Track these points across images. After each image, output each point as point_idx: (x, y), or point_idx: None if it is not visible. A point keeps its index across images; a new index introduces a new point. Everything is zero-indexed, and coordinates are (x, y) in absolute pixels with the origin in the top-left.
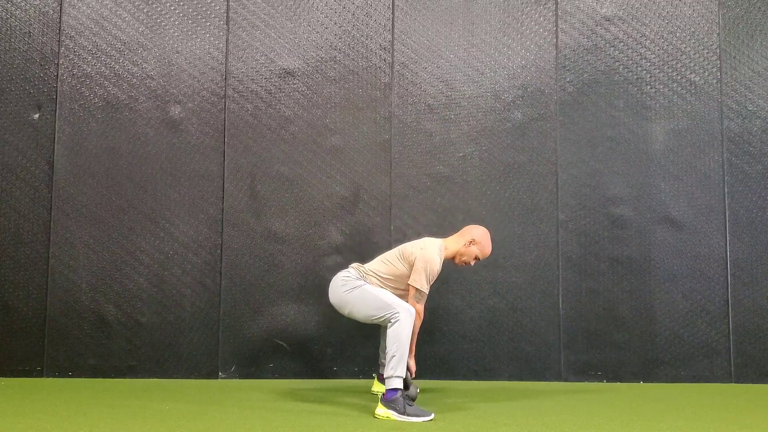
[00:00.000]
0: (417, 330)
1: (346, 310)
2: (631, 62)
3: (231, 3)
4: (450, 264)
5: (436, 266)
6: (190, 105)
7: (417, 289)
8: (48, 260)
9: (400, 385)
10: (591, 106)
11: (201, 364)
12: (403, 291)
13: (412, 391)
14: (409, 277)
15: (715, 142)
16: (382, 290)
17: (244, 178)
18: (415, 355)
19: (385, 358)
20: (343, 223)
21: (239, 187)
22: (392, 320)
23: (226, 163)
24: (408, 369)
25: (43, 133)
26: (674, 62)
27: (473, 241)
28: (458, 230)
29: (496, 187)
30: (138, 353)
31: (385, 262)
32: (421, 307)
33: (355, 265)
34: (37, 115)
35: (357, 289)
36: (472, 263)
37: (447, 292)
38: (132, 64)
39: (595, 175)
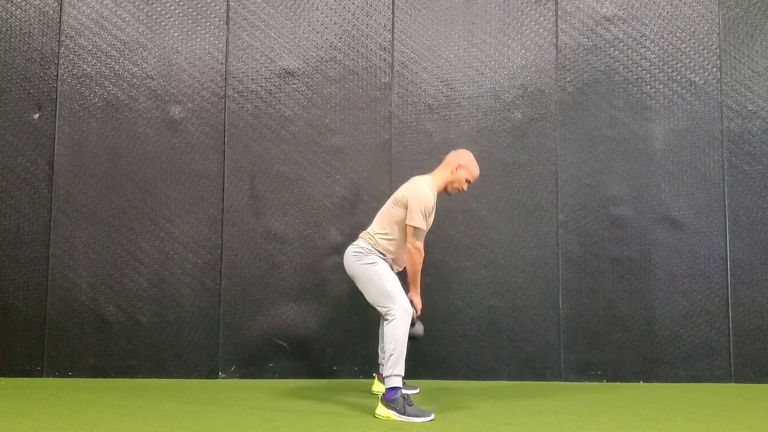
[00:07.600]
0: (419, 267)
1: (359, 285)
2: (631, 62)
3: (231, 3)
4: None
5: (430, 202)
6: (190, 105)
7: (414, 228)
8: (48, 260)
9: (400, 384)
10: (591, 106)
11: (201, 364)
12: (405, 235)
13: (417, 328)
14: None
15: (715, 142)
16: (389, 275)
17: (244, 178)
18: (414, 354)
19: (384, 358)
20: (343, 223)
21: (239, 187)
22: (389, 317)
23: (226, 163)
24: (413, 306)
25: (43, 133)
26: (674, 62)
27: (459, 166)
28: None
29: (496, 187)
30: (138, 353)
31: (383, 216)
32: (420, 243)
33: (362, 234)
34: (37, 115)
35: (368, 267)
36: (465, 188)
37: (447, 292)
38: (132, 64)
39: (595, 175)
